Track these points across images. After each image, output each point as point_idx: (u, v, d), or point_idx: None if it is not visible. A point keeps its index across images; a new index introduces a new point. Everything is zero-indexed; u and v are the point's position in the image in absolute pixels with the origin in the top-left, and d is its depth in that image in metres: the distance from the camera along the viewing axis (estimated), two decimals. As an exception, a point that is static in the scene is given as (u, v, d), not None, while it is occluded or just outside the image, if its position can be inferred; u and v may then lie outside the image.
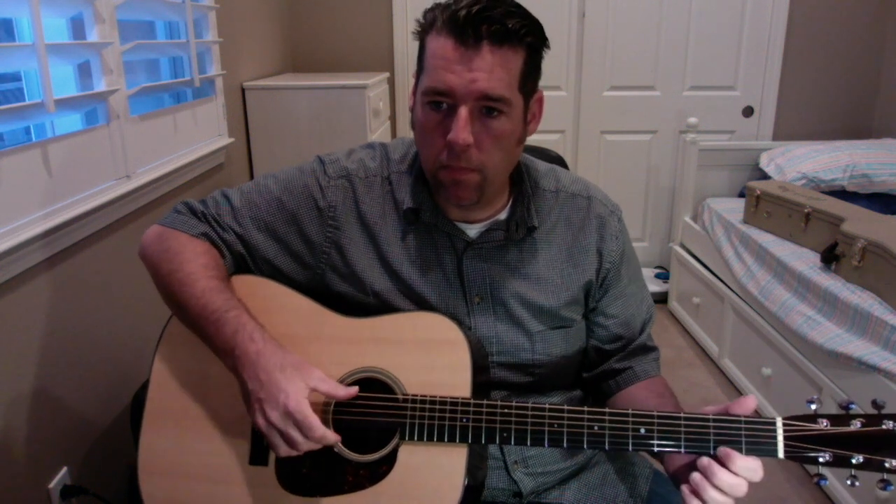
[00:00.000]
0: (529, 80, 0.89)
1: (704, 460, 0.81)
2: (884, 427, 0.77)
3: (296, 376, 0.85)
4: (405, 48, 3.18)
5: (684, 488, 0.82)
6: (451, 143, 0.85)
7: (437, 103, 0.87)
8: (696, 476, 0.80)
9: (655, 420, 0.84)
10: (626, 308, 1.06)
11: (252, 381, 0.85)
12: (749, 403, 0.83)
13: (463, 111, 0.85)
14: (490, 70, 0.83)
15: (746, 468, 0.79)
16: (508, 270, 1.00)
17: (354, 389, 0.88)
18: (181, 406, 0.96)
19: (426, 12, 0.89)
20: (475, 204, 0.94)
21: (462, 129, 0.84)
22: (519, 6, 0.87)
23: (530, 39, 0.86)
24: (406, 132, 3.25)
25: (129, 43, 1.58)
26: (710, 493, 0.79)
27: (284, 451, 0.85)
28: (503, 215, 1.00)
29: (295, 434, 0.83)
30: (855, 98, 3.29)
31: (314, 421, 0.83)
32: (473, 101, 0.85)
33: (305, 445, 0.84)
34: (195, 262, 0.95)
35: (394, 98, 3.22)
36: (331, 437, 0.85)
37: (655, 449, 0.84)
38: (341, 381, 0.93)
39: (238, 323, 0.89)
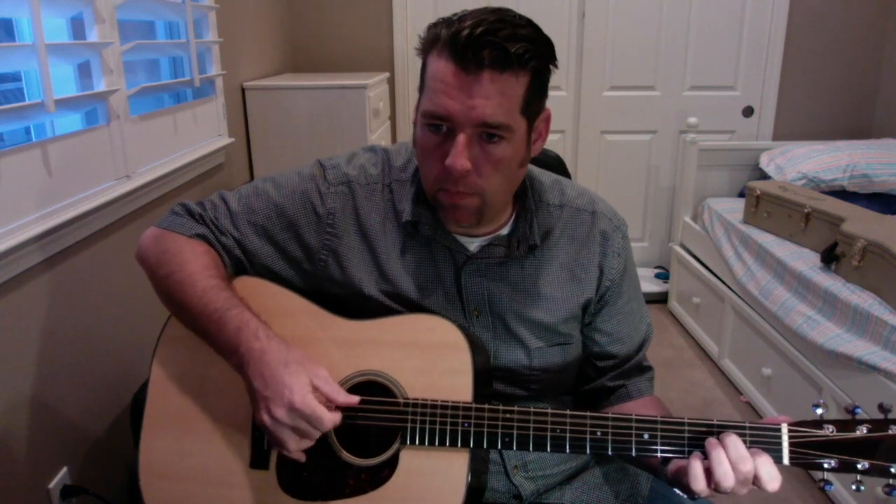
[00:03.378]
0: (534, 102, 0.86)
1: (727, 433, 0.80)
2: (890, 432, 0.77)
3: (300, 371, 0.84)
4: (405, 48, 3.18)
5: (694, 457, 0.80)
6: (448, 169, 0.84)
7: (436, 126, 0.85)
8: (712, 439, 0.80)
9: (659, 425, 0.84)
10: (621, 326, 1.04)
11: (256, 379, 0.85)
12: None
13: (461, 138, 0.83)
14: (490, 97, 0.81)
15: (764, 462, 0.78)
16: (508, 287, 0.99)
17: (355, 398, 0.88)
18: (181, 409, 0.96)
19: (429, 28, 0.86)
20: (475, 226, 0.93)
21: (459, 156, 0.83)
22: (527, 24, 0.84)
23: (534, 63, 0.83)
24: (405, 132, 3.25)
25: (129, 43, 1.58)
26: (722, 457, 0.77)
27: (295, 445, 0.84)
28: (505, 230, 0.98)
29: (305, 427, 0.83)
30: (855, 98, 3.29)
31: (322, 412, 0.83)
32: (472, 127, 0.83)
33: (316, 436, 0.84)
34: (194, 262, 0.94)
35: (394, 98, 3.22)
36: (338, 417, 0.85)
37: (659, 454, 0.84)
38: (341, 385, 0.92)
39: (241, 320, 0.88)
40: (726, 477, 0.77)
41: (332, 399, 0.86)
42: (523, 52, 0.81)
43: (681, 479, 0.83)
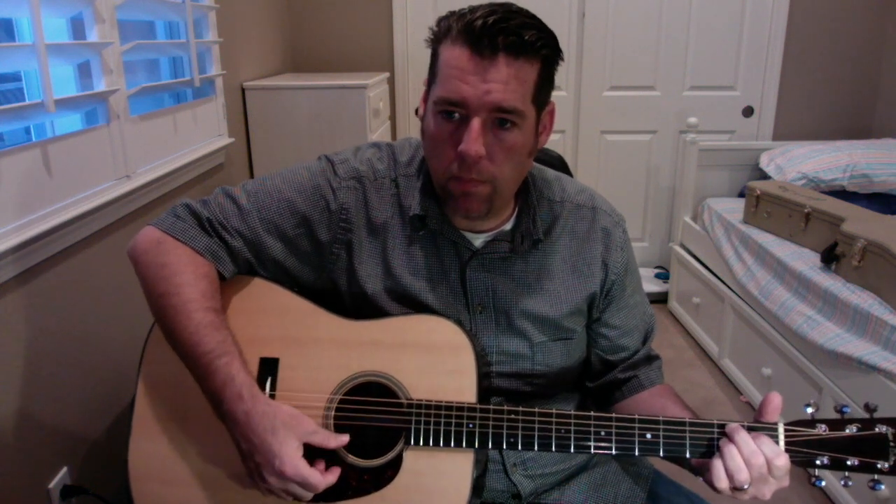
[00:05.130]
0: (543, 92, 0.88)
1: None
2: (877, 431, 0.81)
3: (289, 436, 0.84)
4: (405, 48, 3.17)
5: (716, 456, 0.83)
6: (462, 155, 0.84)
7: (449, 113, 0.85)
8: (724, 439, 0.83)
9: (661, 425, 0.85)
10: (629, 319, 1.06)
11: (244, 443, 0.85)
12: (774, 401, 0.85)
13: (476, 122, 0.83)
14: (505, 82, 0.82)
15: (771, 449, 0.81)
16: (512, 281, 0.99)
17: (345, 438, 0.89)
18: (172, 410, 0.95)
19: (440, 20, 0.87)
20: (484, 216, 0.93)
21: (474, 141, 0.83)
22: (534, 17, 0.86)
23: (546, 52, 0.85)
24: (405, 132, 3.25)
25: (129, 43, 1.58)
26: (734, 453, 0.81)
27: (290, 500, 0.88)
28: (508, 225, 0.99)
29: (298, 491, 0.85)
30: (855, 98, 3.29)
31: (314, 479, 0.84)
32: (487, 112, 0.83)
33: (309, 496, 0.87)
34: (194, 287, 0.90)
35: (394, 98, 3.22)
36: (332, 479, 0.88)
37: (661, 454, 0.85)
38: (342, 386, 0.92)
39: (227, 374, 0.86)
40: (739, 470, 0.80)
41: (325, 447, 0.88)
42: (536, 39, 0.83)
43: (703, 475, 0.86)
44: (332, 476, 0.87)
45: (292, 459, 0.83)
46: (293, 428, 0.85)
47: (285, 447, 0.83)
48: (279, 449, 0.83)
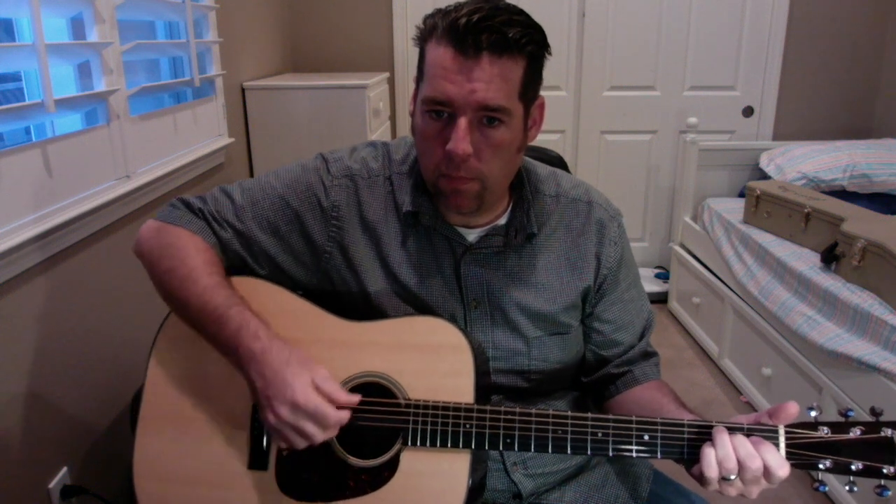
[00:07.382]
0: (530, 87, 0.88)
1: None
2: (882, 434, 0.78)
3: (302, 371, 0.84)
4: (405, 48, 3.18)
5: (707, 445, 0.82)
6: (450, 154, 0.85)
7: (436, 112, 0.86)
8: (719, 427, 0.82)
9: (659, 427, 0.85)
10: (623, 314, 1.05)
11: (258, 379, 0.85)
12: (791, 410, 0.82)
13: (462, 121, 0.84)
14: (490, 80, 0.82)
15: (775, 459, 0.79)
16: (506, 276, 0.99)
17: (356, 398, 0.87)
18: (177, 409, 0.95)
19: (426, 18, 0.88)
20: (475, 212, 0.93)
21: (461, 140, 0.84)
22: (521, 12, 0.86)
23: (531, 48, 0.85)
24: (405, 132, 3.24)
25: (129, 43, 1.58)
26: (725, 440, 0.79)
27: (302, 445, 0.84)
28: (502, 220, 0.99)
29: (309, 426, 0.83)
30: (855, 98, 3.29)
31: (326, 409, 0.82)
32: (473, 111, 0.84)
33: (321, 436, 0.84)
34: (197, 258, 0.94)
35: (394, 98, 3.22)
36: (345, 416, 0.85)
37: (659, 455, 0.85)
38: (341, 386, 0.92)
39: (241, 319, 0.88)
40: (728, 458, 0.78)
41: (334, 398, 0.85)
42: (520, 36, 0.83)
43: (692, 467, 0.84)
44: (345, 414, 0.85)
45: (304, 389, 0.82)
46: (307, 365, 0.85)
47: (298, 379, 0.83)
48: (292, 380, 0.83)
